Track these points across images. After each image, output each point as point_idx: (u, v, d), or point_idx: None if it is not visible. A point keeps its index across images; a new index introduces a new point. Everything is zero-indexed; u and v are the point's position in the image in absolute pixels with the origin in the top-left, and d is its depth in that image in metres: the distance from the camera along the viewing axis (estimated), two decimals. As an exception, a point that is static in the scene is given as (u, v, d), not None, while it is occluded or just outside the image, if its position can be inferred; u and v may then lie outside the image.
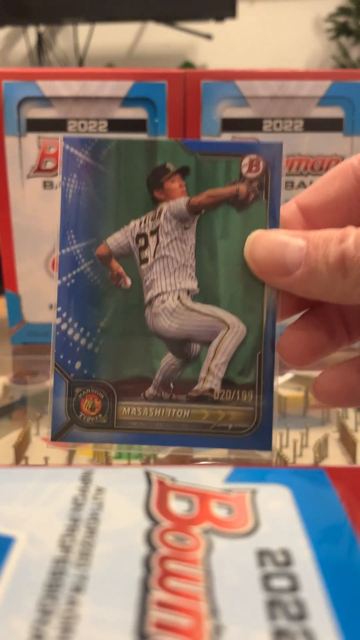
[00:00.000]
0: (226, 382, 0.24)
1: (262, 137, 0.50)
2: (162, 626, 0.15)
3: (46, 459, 0.35)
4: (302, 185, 0.51)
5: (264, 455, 0.23)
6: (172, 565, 0.17)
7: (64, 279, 0.24)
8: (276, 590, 0.16)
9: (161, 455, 0.24)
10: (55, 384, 0.24)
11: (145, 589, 0.16)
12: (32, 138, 0.51)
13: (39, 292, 0.54)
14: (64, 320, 0.24)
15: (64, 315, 0.24)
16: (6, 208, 0.52)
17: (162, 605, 0.15)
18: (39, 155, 0.51)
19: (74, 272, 0.24)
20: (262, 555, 0.17)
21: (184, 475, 0.21)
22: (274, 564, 0.17)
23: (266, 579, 0.16)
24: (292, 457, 0.37)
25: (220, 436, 0.23)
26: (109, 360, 0.24)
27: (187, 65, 1.69)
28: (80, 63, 1.65)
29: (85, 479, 0.21)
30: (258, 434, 0.23)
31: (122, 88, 0.49)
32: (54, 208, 0.24)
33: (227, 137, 0.50)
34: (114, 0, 1.47)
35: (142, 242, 0.24)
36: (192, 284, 0.24)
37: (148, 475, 0.21)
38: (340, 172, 0.23)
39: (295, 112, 0.50)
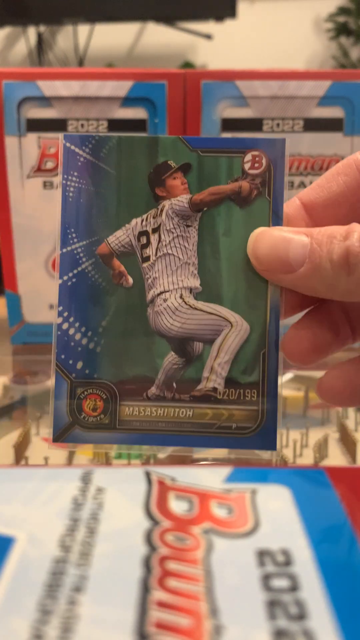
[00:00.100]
0: (230, 381, 0.24)
1: (262, 137, 0.50)
2: (162, 626, 0.15)
3: (46, 459, 0.35)
4: (302, 185, 0.51)
5: (267, 455, 0.23)
6: (172, 565, 0.17)
7: (65, 278, 0.24)
8: (276, 590, 0.16)
9: (161, 455, 0.24)
10: (56, 384, 0.24)
11: (145, 589, 0.16)
12: (32, 138, 0.51)
13: (39, 292, 0.54)
14: (65, 320, 0.24)
15: (65, 314, 0.24)
16: (6, 208, 0.52)
17: (162, 605, 0.15)
18: (39, 155, 0.51)
19: (75, 271, 0.24)
20: (262, 555, 0.17)
21: (184, 475, 0.21)
22: (274, 564, 0.17)
23: (266, 579, 0.16)
24: (292, 457, 0.37)
25: (224, 436, 0.23)
26: (111, 359, 0.24)
27: (187, 65, 1.69)
28: (80, 63, 1.65)
29: (85, 479, 0.21)
30: (262, 434, 0.23)
31: (122, 88, 0.49)
32: (54, 207, 0.24)
33: (227, 137, 0.50)
34: (114, 0, 1.47)
35: (143, 240, 0.24)
36: (195, 282, 0.24)
37: (148, 475, 0.21)
38: (344, 167, 0.23)
39: (295, 112, 0.50)
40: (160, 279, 0.24)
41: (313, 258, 0.21)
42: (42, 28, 1.63)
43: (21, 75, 0.50)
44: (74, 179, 0.24)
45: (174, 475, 0.21)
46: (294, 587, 0.16)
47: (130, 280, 0.24)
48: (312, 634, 0.14)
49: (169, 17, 1.52)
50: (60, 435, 0.24)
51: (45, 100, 0.50)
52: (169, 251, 0.24)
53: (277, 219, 0.23)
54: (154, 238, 0.24)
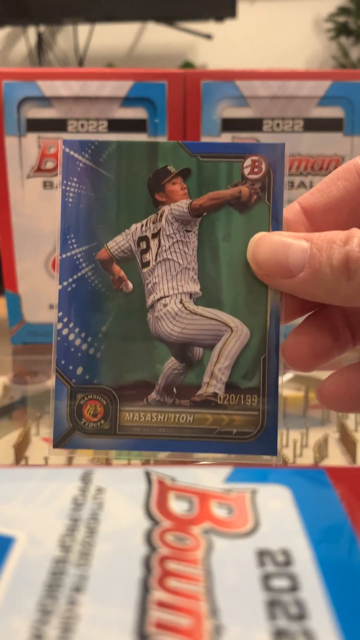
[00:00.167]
0: (230, 386, 0.23)
1: (262, 137, 0.50)
2: (162, 626, 0.15)
3: (46, 459, 0.35)
4: (302, 185, 0.51)
5: (269, 459, 0.23)
6: (172, 565, 0.17)
7: (65, 283, 0.24)
8: (276, 590, 0.16)
9: (161, 455, 0.24)
10: (56, 389, 0.24)
11: (145, 589, 0.16)
12: (32, 138, 0.51)
13: (39, 292, 0.54)
14: (65, 325, 0.24)
15: (65, 320, 0.24)
16: (6, 208, 0.52)
17: (162, 605, 0.15)
18: (39, 155, 0.51)
19: (75, 277, 0.24)
20: (262, 555, 0.17)
21: (184, 475, 0.21)
22: (274, 564, 0.17)
23: (266, 579, 0.16)
24: (292, 457, 0.37)
25: (224, 441, 0.23)
26: (111, 365, 0.24)
27: (187, 65, 1.69)
28: (80, 63, 1.65)
29: (85, 479, 0.21)
30: (263, 439, 0.23)
31: (122, 88, 0.49)
32: (54, 208, 0.24)
33: (227, 137, 0.50)
34: (114, 0, 1.47)
35: (143, 245, 0.24)
36: (195, 287, 0.24)
37: (148, 475, 0.21)
38: (344, 172, 0.23)
39: (295, 112, 0.50)
40: (160, 284, 0.24)
41: (313, 263, 0.21)
42: (42, 28, 1.63)
43: (21, 75, 0.50)
44: (73, 184, 0.24)
45: (174, 475, 0.21)
46: (294, 587, 0.16)
47: (130, 285, 0.24)
48: (312, 634, 0.14)
49: (169, 17, 1.52)
50: (61, 441, 0.23)
51: (45, 100, 0.50)
52: (169, 256, 0.24)
53: (276, 223, 0.23)
54: (153, 243, 0.24)
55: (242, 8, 1.59)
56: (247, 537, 0.18)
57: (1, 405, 0.45)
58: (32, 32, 1.66)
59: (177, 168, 0.24)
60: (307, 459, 0.37)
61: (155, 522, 0.19)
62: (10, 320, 0.55)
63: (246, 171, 0.24)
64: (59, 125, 0.51)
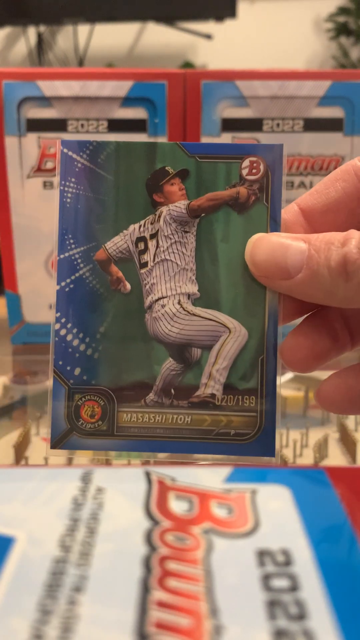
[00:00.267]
0: (228, 387, 0.23)
1: (262, 137, 0.50)
2: (162, 626, 0.15)
3: (46, 459, 0.35)
4: (302, 185, 0.51)
5: (267, 461, 0.23)
6: (172, 565, 0.17)
7: (63, 284, 0.24)
8: (276, 590, 0.16)
9: (161, 455, 0.24)
10: (54, 390, 0.24)
11: (145, 589, 0.16)
12: (32, 138, 0.51)
13: (39, 292, 0.54)
14: (63, 326, 0.24)
15: (63, 320, 0.24)
16: (6, 208, 0.52)
17: (162, 605, 0.15)
18: (39, 155, 0.51)
19: (73, 277, 0.24)
20: (262, 555, 0.17)
21: (184, 475, 0.21)
22: (274, 564, 0.17)
23: (266, 579, 0.16)
24: (292, 457, 0.37)
25: (222, 442, 0.23)
26: (109, 366, 0.24)
27: (187, 65, 1.69)
28: (80, 63, 1.65)
29: (85, 479, 0.21)
30: (261, 440, 0.23)
31: (122, 88, 0.50)
32: (53, 209, 0.24)
33: (227, 137, 0.50)
34: (114, 0, 1.47)
35: (141, 245, 0.24)
36: (193, 288, 0.24)
37: (148, 475, 0.21)
38: (343, 173, 0.23)
39: (295, 112, 0.50)
40: (158, 285, 0.24)
41: (311, 264, 0.21)
42: (42, 28, 1.63)
43: (21, 75, 0.50)
44: (71, 184, 0.24)
45: (174, 475, 0.21)
46: (294, 587, 0.16)
47: (128, 286, 0.24)
48: (312, 634, 0.14)
49: (169, 17, 1.52)
50: (58, 442, 0.23)
51: (45, 100, 0.50)
52: (167, 257, 0.24)
53: (275, 224, 0.23)
54: (151, 244, 0.24)
55: (242, 8, 1.59)
56: (247, 537, 0.18)
57: (1, 405, 0.45)
58: (32, 32, 1.66)
59: (175, 169, 0.24)
60: (307, 459, 0.37)
61: (155, 522, 0.19)
62: (10, 320, 0.55)
63: (244, 172, 0.24)
64: (59, 125, 0.51)
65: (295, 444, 0.37)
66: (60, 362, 0.24)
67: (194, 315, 0.24)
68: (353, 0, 1.65)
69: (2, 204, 0.52)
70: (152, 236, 0.24)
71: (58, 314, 0.24)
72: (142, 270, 0.24)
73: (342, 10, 1.66)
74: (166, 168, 0.24)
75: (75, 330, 0.24)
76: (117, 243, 0.24)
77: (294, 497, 0.20)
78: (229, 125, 0.50)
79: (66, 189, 0.24)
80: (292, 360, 0.24)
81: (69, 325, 0.24)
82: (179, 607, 0.15)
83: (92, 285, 0.24)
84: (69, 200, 0.24)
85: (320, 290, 0.21)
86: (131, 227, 0.24)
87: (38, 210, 0.52)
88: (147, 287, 0.24)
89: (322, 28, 1.72)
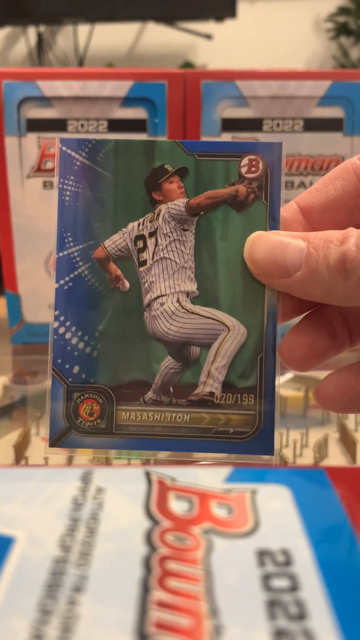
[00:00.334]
0: (227, 386, 0.23)
1: (262, 137, 0.50)
2: (162, 626, 0.15)
3: (46, 459, 0.35)
4: (302, 185, 0.51)
5: (267, 459, 0.23)
6: (172, 565, 0.17)
7: (62, 282, 0.24)
8: (276, 590, 0.16)
9: (161, 455, 0.24)
10: (53, 388, 0.24)
11: (145, 589, 0.16)
12: (32, 138, 0.51)
13: (39, 292, 0.54)
14: (61, 324, 0.24)
15: (62, 318, 0.24)
16: (6, 208, 0.52)
17: (162, 605, 0.15)
18: (39, 155, 0.51)
19: (72, 275, 0.24)
20: (262, 555, 0.17)
21: (184, 475, 0.21)
22: (274, 564, 0.17)
23: (266, 579, 0.16)
24: (292, 457, 0.37)
25: (221, 440, 0.23)
26: (108, 364, 0.24)
27: (187, 65, 1.69)
28: (80, 63, 1.65)
29: (85, 479, 0.21)
30: (260, 438, 0.23)
31: (122, 88, 0.50)
32: (53, 208, 0.24)
33: (227, 137, 0.50)
34: (114, 0, 1.47)
35: (140, 244, 0.24)
36: (192, 286, 0.24)
37: (148, 475, 0.21)
38: (342, 171, 0.23)
39: (295, 112, 0.50)
40: (157, 283, 0.24)
41: (309, 262, 0.21)
42: (42, 28, 1.63)
43: (21, 75, 0.50)
44: (70, 182, 0.24)
45: (174, 475, 0.21)
46: (294, 587, 0.16)
47: (127, 284, 0.24)
48: (312, 634, 0.14)
49: (169, 17, 1.52)
50: (57, 440, 0.23)
51: (45, 100, 0.50)
52: (166, 255, 0.24)
53: (274, 222, 0.23)
54: (150, 242, 0.24)
55: (242, 8, 1.59)
56: (247, 537, 0.18)
57: (1, 405, 0.45)
58: (32, 32, 1.66)
59: (174, 167, 0.24)
60: (307, 459, 0.37)
61: (155, 522, 0.19)
62: (10, 320, 0.55)
63: (243, 170, 0.23)
64: (59, 125, 0.51)
65: (295, 444, 0.37)
66: (59, 361, 0.24)
67: (192, 313, 0.24)
68: (353, 0, 1.65)
69: (2, 204, 0.52)
70: (151, 234, 0.24)
71: (57, 312, 0.24)
72: (141, 269, 0.24)
73: (342, 10, 1.66)
74: (165, 166, 0.24)
75: (74, 329, 0.24)
76: (116, 241, 0.24)
77: (294, 497, 0.20)
78: (229, 125, 0.50)
79: (65, 187, 0.24)
80: (291, 359, 0.24)
81: (67, 324, 0.24)
82: (179, 607, 0.15)
83: (91, 284, 0.24)
84: (67, 198, 0.24)
85: (319, 288, 0.21)
86: (130, 225, 0.24)
87: (38, 210, 0.52)
88: (146, 285, 0.24)
89: (322, 28, 1.72)
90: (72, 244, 0.24)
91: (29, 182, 0.52)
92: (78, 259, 0.24)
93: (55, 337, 0.24)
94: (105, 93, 0.50)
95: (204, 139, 0.50)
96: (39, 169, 0.51)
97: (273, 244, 0.22)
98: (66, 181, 0.24)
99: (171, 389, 0.24)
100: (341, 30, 1.67)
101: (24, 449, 0.37)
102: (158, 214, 0.24)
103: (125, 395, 0.24)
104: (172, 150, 0.24)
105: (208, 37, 1.58)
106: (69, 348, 0.24)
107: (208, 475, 0.22)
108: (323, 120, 0.50)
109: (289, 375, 0.48)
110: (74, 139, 0.24)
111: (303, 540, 0.18)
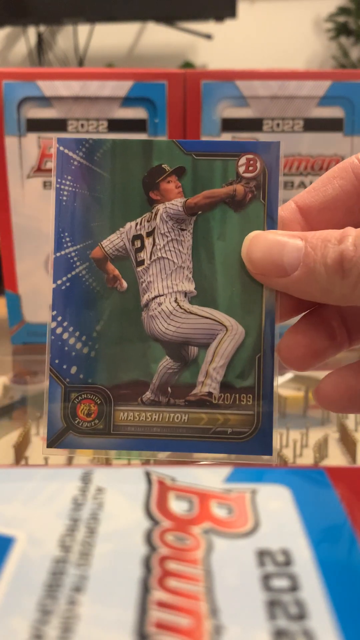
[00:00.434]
0: (225, 386, 0.23)
1: (262, 137, 0.50)
2: (162, 626, 0.15)
3: (46, 459, 0.35)
4: (302, 185, 0.51)
5: (266, 459, 0.23)
6: (172, 565, 0.17)
7: (59, 282, 0.24)
8: (276, 590, 0.16)
9: (161, 455, 0.24)
10: (50, 389, 0.23)
11: (145, 589, 0.16)
12: (32, 138, 0.51)
13: (39, 292, 0.54)
14: (59, 324, 0.24)
15: (59, 319, 0.24)
16: (6, 208, 0.52)
17: (162, 605, 0.15)
18: (39, 155, 0.51)
19: (69, 275, 0.24)
20: (262, 555, 0.17)
21: (184, 475, 0.21)
22: (274, 564, 0.17)
23: (266, 579, 0.16)
24: (292, 457, 0.37)
25: (219, 441, 0.23)
26: (105, 364, 0.24)
27: (187, 65, 1.69)
28: (80, 63, 1.65)
29: (85, 479, 0.21)
30: (258, 438, 0.23)
31: (122, 88, 0.50)
32: (50, 208, 0.24)
33: (227, 137, 0.50)
34: (114, 0, 1.47)
35: (138, 243, 0.24)
36: (190, 286, 0.24)
37: (148, 475, 0.21)
38: (340, 171, 0.23)
39: (295, 112, 0.50)
40: (155, 283, 0.24)
41: (307, 262, 0.21)
42: (42, 28, 1.63)
43: (21, 75, 0.50)
44: (67, 182, 0.24)
45: (174, 475, 0.21)
46: (294, 587, 0.16)
47: (125, 284, 0.24)
48: (312, 634, 0.14)
49: (169, 17, 1.52)
50: (55, 441, 0.23)
51: (45, 100, 0.50)
52: (164, 255, 0.24)
53: (272, 222, 0.23)
54: (148, 242, 0.24)
55: (242, 8, 1.59)
56: (247, 537, 0.18)
57: (1, 405, 0.45)
58: (32, 32, 1.66)
59: (172, 166, 0.24)
60: (307, 459, 0.37)
61: (155, 522, 0.19)
62: (10, 320, 0.55)
63: (241, 169, 0.23)
64: (59, 125, 0.51)
65: (295, 444, 0.37)
66: (57, 361, 0.24)
67: (190, 313, 0.24)
68: (353, 0, 1.65)
69: (2, 204, 0.52)
70: (149, 234, 0.24)
71: (54, 313, 0.24)
72: (139, 268, 0.24)
73: (342, 10, 1.66)
74: (163, 166, 0.24)
75: (71, 329, 0.24)
76: (113, 241, 0.24)
77: (294, 497, 0.20)
78: (229, 125, 0.50)
79: (62, 186, 0.24)
80: (289, 358, 0.24)
81: (65, 324, 0.24)
82: (179, 607, 0.15)
83: (88, 284, 0.24)
84: (65, 198, 0.24)
85: (317, 288, 0.21)
86: (127, 225, 0.24)
87: (38, 210, 0.52)
88: (144, 285, 0.24)
89: (322, 28, 1.72)
90: (69, 244, 0.24)
91: (29, 182, 0.52)
92: (75, 259, 0.24)
93: (53, 337, 0.24)
94: (105, 93, 0.50)
95: (204, 139, 0.50)
96: (39, 169, 0.51)
97: (271, 244, 0.22)
98: (64, 181, 0.24)
99: (169, 389, 0.24)
100: (341, 30, 1.67)
101: (24, 449, 0.37)
102: (156, 214, 0.24)
103: (123, 396, 0.24)
104: (169, 149, 0.24)
105: (208, 37, 1.58)
106: (66, 348, 0.24)
107: (208, 475, 0.21)
108: (323, 120, 0.50)
109: (288, 375, 0.48)
110: (72, 138, 0.24)
111: (303, 540, 0.18)
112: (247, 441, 0.23)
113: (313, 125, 0.50)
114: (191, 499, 0.20)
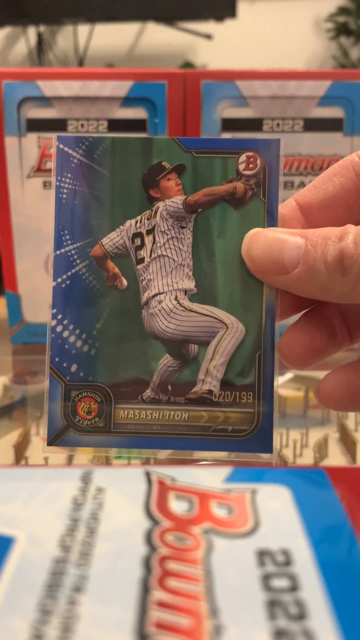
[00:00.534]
0: (225, 383, 0.23)
1: (262, 137, 0.50)
2: (162, 626, 0.15)
3: (46, 459, 0.35)
4: (302, 185, 0.51)
5: (265, 457, 0.23)
6: (172, 565, 0.17)
7: (59, 280, 0.24)
8: (276, 590, 0.16)
9: (161, 455, 0.24)
10: (50, 387, 0.23)
11: (145, 589, 0.16)
12: (32, 138, 0.51)
13: (39, 292, 0.54)
14: (59, 322, 0.24)
15: (59, 317, 0.24)
16: (6, 208, 0.52)
17: (162, 605, 0.15)
18: (39, 155, 0.51)
19: (69, 273, 0.24)
20: (262, 555, 0.17)
21: (184, 475, 0.21)
22: (274, 564, 0.17)
23: (266, 579, 0.16)
24: (292, 457, 0.37)
25: (220, 438, 0.23)
26: (106, 362, 0.24)
27: (187, 65, 1.69)
28: (80, 63, 1.65)
29: (85, 479, 0.21)
30: (259, 436, 0.23)
31: (122, 88, 0.49)
32: (50, 207, 0.24)
33: (227, 137, 0.50)
34: (114, 0, 1.47)
35: (138, 241, 0.24)
36: (190, 284, 0.24)
37: (148, 475, 0.21)
38: (341, 168, 0.23)
39: (295, 112, 0.50)
40: (155, 281, 0.24)
41: (307, 259, 0.21)
42: (42, 28, 1.63)
43: (21, 75, 0.50)
44: (67, 180, 0.24)
45: (174, 475, 0.21)
46: (294, 587, 0.16)
47: (125, 282, 0.24)
48: (312, 634, 0.14)
49: (169, 17, 1.52)
50: (55, 439, 0.23)
51: (45, 100, 0.50)
52: (164, 253, 0.24)
53: (272, 220, 0.23)
54: (148, 240, 0.24)
55: (242, 8, 1.59)
56: (247, 537, 0.18)
57: (1, 405, 0.45)
58: (32, 32, 1.66)
59: (171, 164, 0.24)
60: (307, 459, 0.37)
61: (155, 522, 0.19)
62: (10, 320, 0.55)
63: (241, 167, 0.23)
64: (59, 125, 0.51)
65: (295, 444, 0.37)
66: (57, 359, 0.24)
67: (190, 311, 0.24)
68: (353, 0, 1.65)
69: (2, 204, 0.52)
70: (149, 232, 0.24)
71: (54, 311, 0.24)
72: (139, 266, 0.24)
73: (342, 10, 1.66)
74: (162, 163, 0.24)
75: (71, 327, 0.24)
76: (113, 239, 0.24)
77: (294, 497, 0.20)
78: (229, 125, 0.50)
79: (62, 184, 0.24)
80: (290, 356, 0.24)
81: (65, 322, 0.24)
82: (179, 607, 0.15)
83: (88, 282, 0.24)
84: (65, 196, 0.24)
85: (317, 286, 0.21)
86: (127, 223, 0.24)
87: (38, 210, 0.52)
88: (144, 283, 0.24)
89: (322, 28, 1.72)
90: (69, 242, 0.24)
91: (29, 182, 0.51)
92: (75, 256, 0.24)
93: (53, 335, 0.24)
94: (105, 93, 0.50)
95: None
96: (39, 169, 0.51)
97: (271, 241, 0.22)
98: (63, 179, 0.24)
99: (169, 387, 0.24)
100: (341, 30, 1.67)
101: (24, 449, 0.37)
102: (155, 212, 0.24)
103: (124, 394, 0.24)
104: (169, 147, 0.24)
105: (208, 37, 1.58)
106: (66, 346, 0.24)
107: (208, 475, 0.21)
108: (323, 120, 0.50)
109: (288, 375, 0.48)
110: (71, 136, 0.24)
111: (303, 540, 0.18)
112: (248, 439, 0.23)
113: (313, 125, 0.50)
114: (191, 499, 0.20)
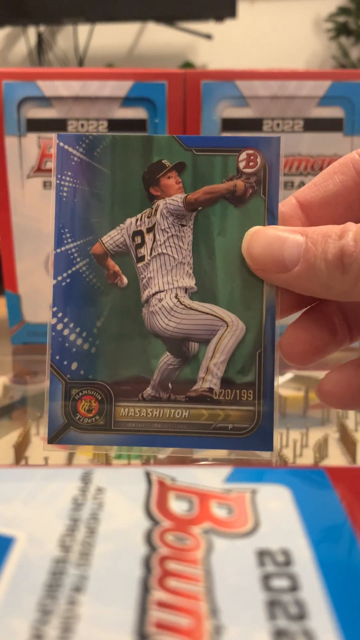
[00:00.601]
0: (226, 382, 0.23)
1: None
2: (162, 626, 0.15)
3: (46, 459, 0.35)
4: (302, 185, 0.51)
5: (266, 455, 0.23)
6: (172, 565, 0.17)
7: (60, 278, 0.24)
8: (276, 590, 0.16)
9: (161, 455, 0.24)
10: (51, 385, 0.23)
11: (145, 589, 0.16)
12: (32, 138, 0.51)
13: (39, 292, 0.54)
14: (59, 321, 0.24)
15: (60, 315, 0.24)
16: (6, 208, 0.52)
17: (162, 605, 0.15)
18: (39, 155, 0.51)
19: (70, 272, 0.24)
20: (262, 555, 0.17)
21: (184, 475, 0.21)
22: (274, 564, 0.17)
23: (266, 579, 0.16)
24: (292, 457, 0.37)
25: (220, 436, 0.23)
26: (106, 360, 0.24)
27: (187, 65, 1.69)
28: (80, 63, 1.65)
29: (85, 479, 0.21)
30: (259, 434, 0.23)
31: (122, 88, 0.49)
32: (50, 205, 0.24)
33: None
34: (114, 0, 1.47)
35: (138, 239, 0.24)
36: (190, 282, 0.24)
37: (148, 475, 0.21)
38: (341, 166, 0.23)
39: (295, 112, 0.50)
40: (155, 279, 0.24)
41: (308, 257, 0.21)
42: (42, 28, 1.63)
43: (21, 75, 0.50)
44: (68, 178, 0.24)
45: (174, 475, 0.21)
46: (294, 587, 0.16)
47: (125, 280, 0.24)
48: (312, 634, 0.14)
49: (169, 17, 1.52)
50: (55, 437, 0.23)
51: (45, 100, 0.50)
52: (164, 251, 0.24)
53: (272, 217, 0.23)
54: (148, 238, 0.24)
55: (242, 8, 1.59)
56: (247, 537, 0.18)
57: (1, 405, 0.45)
58: (32, 32, 1.66)
59: (172, 162, 0.24)
60: (307, 459, 0.37)
61: (155, 522, 0.19)
62: (10, 320, 0.55)
63: (241, 165, 0.23)
64: (59, 125, 0.51)
65: (295, 444, 0.37)
66: (57, 357, 0.24)
67: (191, 309, 0.24)
68: (353, 0, 1.65)
69: (2, 204, 0.52)
70: (149, 230, 0.24)
71: (54, 309, 0.24)
72: (139, 264, 0.24)
73: (342, 10, 1.66)
74: (163, 161, 0.24)
75: (72, 325, 0.24)
76: (113, 237, 0.24)
77: (294, 497, 0.20)
78: (229, 125, 0.50)
79: (62, 183, 0.24)
80: (290, 354, 0.24)
81: (65, 320, 0.24)
82: (179, 607, 0.15)
83: (88, 280, 0.24)
84: (65, 194, 0.24)
85: (317, 284, 0.21)
86: (128, 221, 0.24)
87: (38, 210, 0.52)
88: (144, 281, 0.24)
89: (322, 28, 1.72)
90: (69, 240, 0.24)
91: (29, 182, 0.51)
92: (76, 255, 0.24)
93: (53, 333, 0.24)
94: (105, 93, 0.50)
95: (204, 138, 0.50)
96: (39, 169, 0.51)
97: (271, 239, 0.22)
98: (63, 177, 0.24)
99: (170, 385, 0.24)
100: (341, 30, 1.67)
101: (24, 449, 0.37)
102: (156, 210, 0.24)
103: (124, 392, 0.24)
104: (169, 145, 0.24)
105: (208, 37, 1.58)
106: (67, 345, 0.24)
107: (208, 475, 0.21)
108: (323, 120, 0.50)
109: (288, 375, 0.48)
110: (72, 134, 0.24)
111: (303, 540, 0.18)
112: (248, 437, 0.23)
113: (313, 125, 0.50)
114: (191, 499, 0.20)
